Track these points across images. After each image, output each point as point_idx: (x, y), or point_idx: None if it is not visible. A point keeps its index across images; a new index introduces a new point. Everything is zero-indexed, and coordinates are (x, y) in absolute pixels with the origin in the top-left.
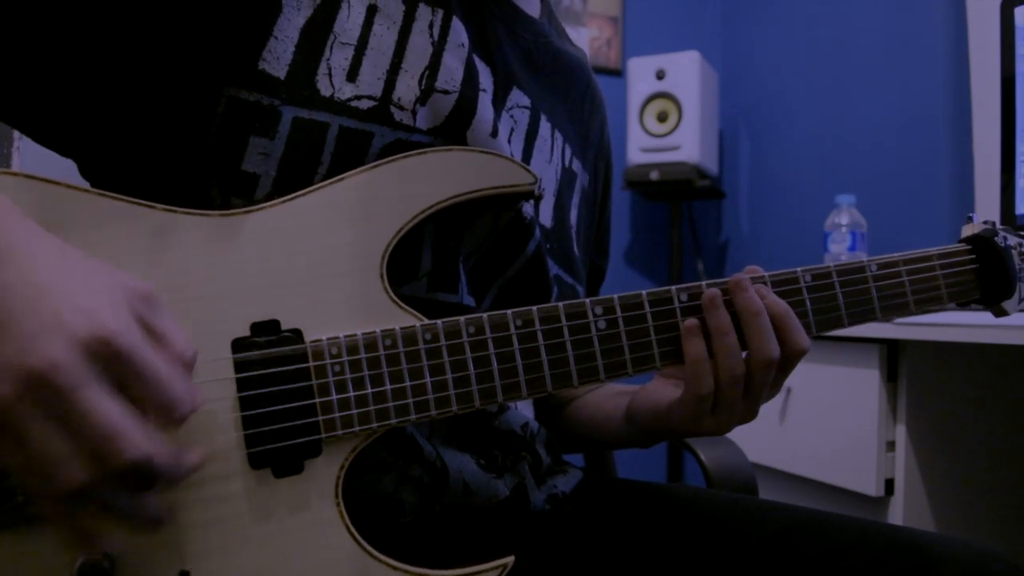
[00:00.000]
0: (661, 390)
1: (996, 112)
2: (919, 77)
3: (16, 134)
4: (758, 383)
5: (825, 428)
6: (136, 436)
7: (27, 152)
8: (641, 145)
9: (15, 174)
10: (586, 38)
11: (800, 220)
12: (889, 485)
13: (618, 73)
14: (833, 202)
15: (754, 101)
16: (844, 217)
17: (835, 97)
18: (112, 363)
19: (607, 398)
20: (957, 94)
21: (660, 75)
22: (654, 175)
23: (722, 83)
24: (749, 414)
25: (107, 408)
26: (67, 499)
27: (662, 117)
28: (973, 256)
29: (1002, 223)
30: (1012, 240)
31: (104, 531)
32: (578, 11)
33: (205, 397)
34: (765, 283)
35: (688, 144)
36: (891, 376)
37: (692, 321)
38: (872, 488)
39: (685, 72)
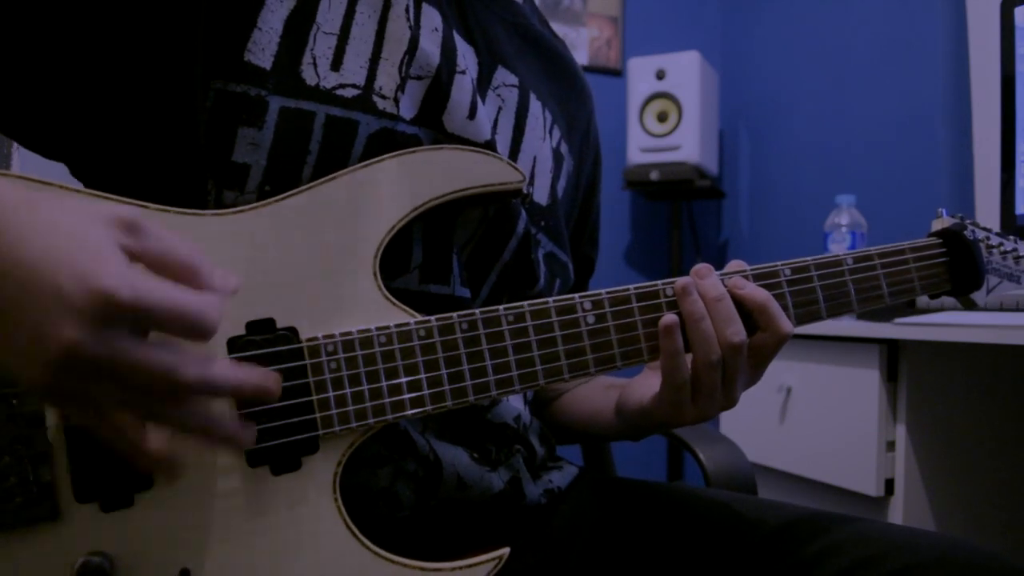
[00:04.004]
0: (648, 383)
1: (996, 112)
2: (919, 77)
3: None
4: (731, 367)
5: (825, 428)
6: (184, 365)
7: (27, 151)
8: (641, 145)
9: (7, 175)
10: (586, 38)
11: (800, 220)
12: (889, 485)
13: (618, 73)
14: (833, 202)
15: (754, 101)
16: (844, 217)
17: (835, 97)
18: (124, 315)
19: (597, 391)
20: (957, 94)
21: (660, 75)
22: (654, 175)
23: (722, 83)
24: (728, 401)
25: (145, 355)
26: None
27: (662, 117)
28: (944, 249)
29: (1002, 222)
30: (980, 233)
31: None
32: (578, 11)
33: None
34: (747, 277)
35: (688, 144)
36: (891, 376)
37: (670, 318)
38: (872, 488)
39: (685, 72)
